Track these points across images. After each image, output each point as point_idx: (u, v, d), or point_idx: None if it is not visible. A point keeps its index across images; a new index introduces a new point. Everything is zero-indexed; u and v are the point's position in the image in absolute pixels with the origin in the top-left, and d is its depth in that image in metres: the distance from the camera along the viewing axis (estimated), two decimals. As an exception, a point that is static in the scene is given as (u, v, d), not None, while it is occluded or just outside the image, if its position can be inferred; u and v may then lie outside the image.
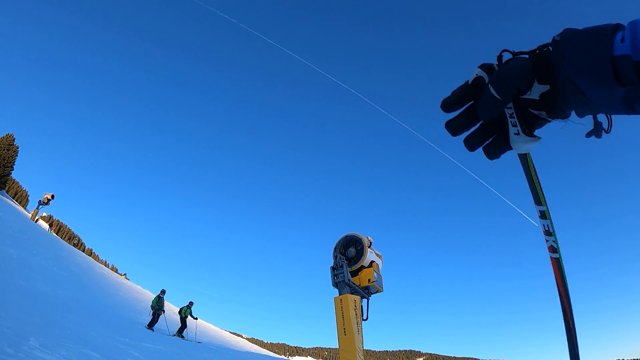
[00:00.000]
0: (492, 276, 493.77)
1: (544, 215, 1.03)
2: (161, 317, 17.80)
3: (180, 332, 18.45)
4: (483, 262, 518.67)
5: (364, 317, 14.20)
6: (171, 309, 33.19)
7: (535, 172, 0.99)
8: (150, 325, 16.72)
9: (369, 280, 14.15)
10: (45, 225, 52.76)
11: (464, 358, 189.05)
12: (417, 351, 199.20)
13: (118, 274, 52.69)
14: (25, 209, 51.81)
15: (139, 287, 43.34)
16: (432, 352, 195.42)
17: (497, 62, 0.93)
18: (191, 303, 19.47)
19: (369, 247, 14.42)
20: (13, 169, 48.75)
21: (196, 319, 19.83)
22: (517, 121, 0.93)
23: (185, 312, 19.03)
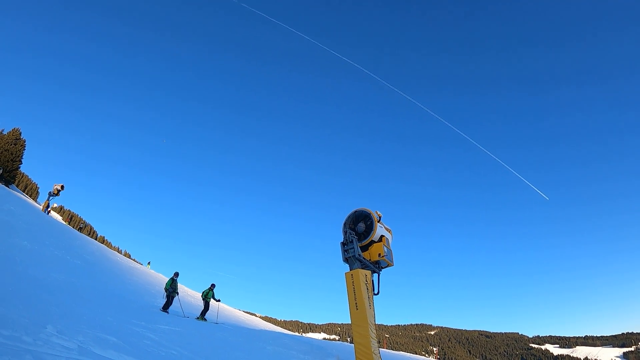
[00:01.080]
0: (503, 249, 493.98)
1: None
2: (175, 299, 18.02)
3: (202, 315, 18.66)
4: (494, 235, 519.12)
5: (375, 292, 14.28)
6: (185, 291, 33.69)
7: None
8: (165, 307, 16.95)
9: (380, 254, 14.14)
10: (57, 217, 53.41)
11: (475, 331, 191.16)
12: (429, 325, 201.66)
13: (132, 260, 53.35)
14: (35, 201, 52.31)
15: (152, 270, 43.92)
16: (444, 326, 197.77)
17: None
18: (213, 285, 19.54)
19: (378, 221, 14.38)
20: (21, 163, 49.01)
21: (218, 300, 20.00)
22: None
23: (208, 295, 19.21)
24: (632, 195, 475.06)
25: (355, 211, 15.01)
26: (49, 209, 40.99)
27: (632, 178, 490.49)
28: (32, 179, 62.22)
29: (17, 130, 47.97)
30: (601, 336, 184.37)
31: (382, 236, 14.61)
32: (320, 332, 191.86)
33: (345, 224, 14.89)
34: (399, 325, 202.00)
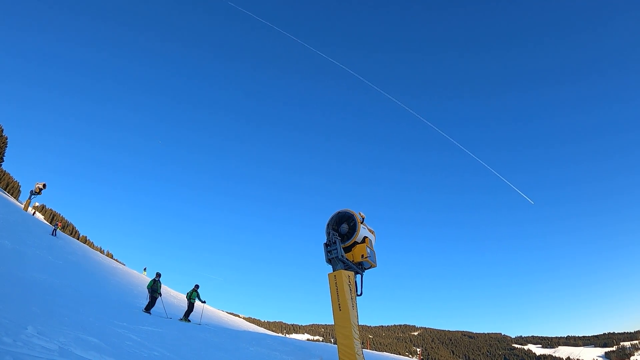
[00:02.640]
0: (486, 251, 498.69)
1: None
2: (158, 300, 17.89)
3: (186, 316, 18.52)
4: (477, 237, 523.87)
5: (359, 293, 14.39)
6: (168, 292, 33.45)
7: None
8: (147, 308, 16.83)
9: (363, 255, 14.25)
10: (39, 215, 52.44)
11: (458, 332, 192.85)
12: (412, 325, 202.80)
13: (115, 260, 52.67)
14: (17, 200, 51.38)
15: (135, 271, 43.45)
16: (427, 327, 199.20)
17: None
18: (197, 286, 19.38)
19: (361, 222, 14.48)
20: (3, 161, 48.13)
21: (204, 302, 19.77)
22: None
23: (192, 296, 19.07)
24: (616, 197, 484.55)
25: (339, 212, 15.09)
26: (31, 208, 40.39)
27: (615, 179, 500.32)
28: (13, 177, 61.04)
29: (-3, 127, 47.06)
30: (583, 336, 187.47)
31: (365, 237, 14.72)
32: (303, 333, 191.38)
33: (328, 225, 14.97)
34: (382, 326, 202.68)
